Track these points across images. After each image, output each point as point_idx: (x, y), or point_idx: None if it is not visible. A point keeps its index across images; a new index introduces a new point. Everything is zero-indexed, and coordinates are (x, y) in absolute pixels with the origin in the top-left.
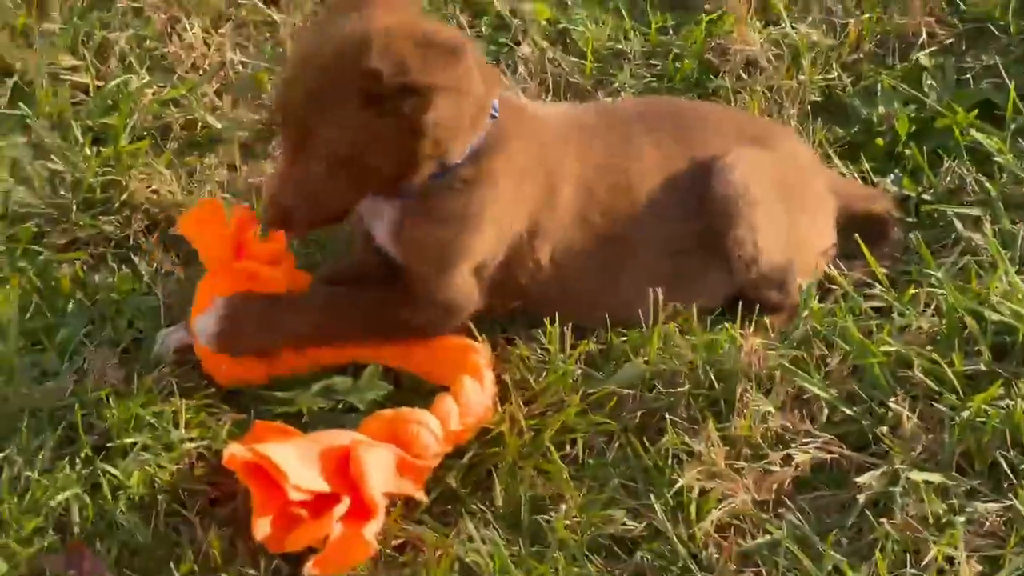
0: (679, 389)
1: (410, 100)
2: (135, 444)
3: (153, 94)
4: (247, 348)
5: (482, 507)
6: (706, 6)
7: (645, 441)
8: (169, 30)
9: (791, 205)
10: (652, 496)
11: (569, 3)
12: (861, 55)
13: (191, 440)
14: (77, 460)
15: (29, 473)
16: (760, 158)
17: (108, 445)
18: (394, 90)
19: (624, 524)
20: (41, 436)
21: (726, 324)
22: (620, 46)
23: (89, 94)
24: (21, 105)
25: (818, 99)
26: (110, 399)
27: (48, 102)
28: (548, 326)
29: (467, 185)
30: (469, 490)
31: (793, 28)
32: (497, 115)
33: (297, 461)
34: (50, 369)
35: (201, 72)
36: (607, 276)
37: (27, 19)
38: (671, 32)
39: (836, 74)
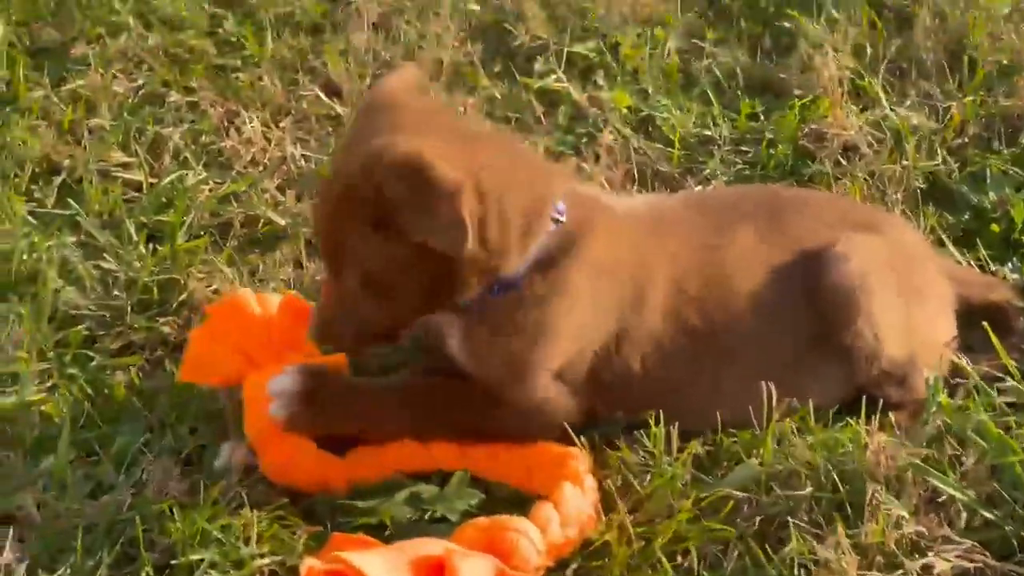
0: (800, 492)
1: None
2: (201, 561)
3: (210, 190)
4: (324, 422)
5: None
6: (796, 91)
7: (767, 549)
8: (226, 124)
9: (909, 294)
10: None
11: (650, 91)
12: (966, 139)
13: (262, 556)
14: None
15: None
16: (873, 244)
17: (171, 563)
18: (395, 220)
19: None
20: (97, 554)
21: (848, 420)
22: (708, 132)
23: (142, 191)
24: (71, 202)
25: (922, 186)
26: (173, 512)
27: (98, 200)
28: (652, 426)
29: (535, 295)
30: None
31: (892, 111)
32: (563, 216)
33: (384, 572)
34: (106, 482)
35: (261, 168)
36: (706, 377)
37: (74, 115)
38: (761, 118)
39: (941, 159)
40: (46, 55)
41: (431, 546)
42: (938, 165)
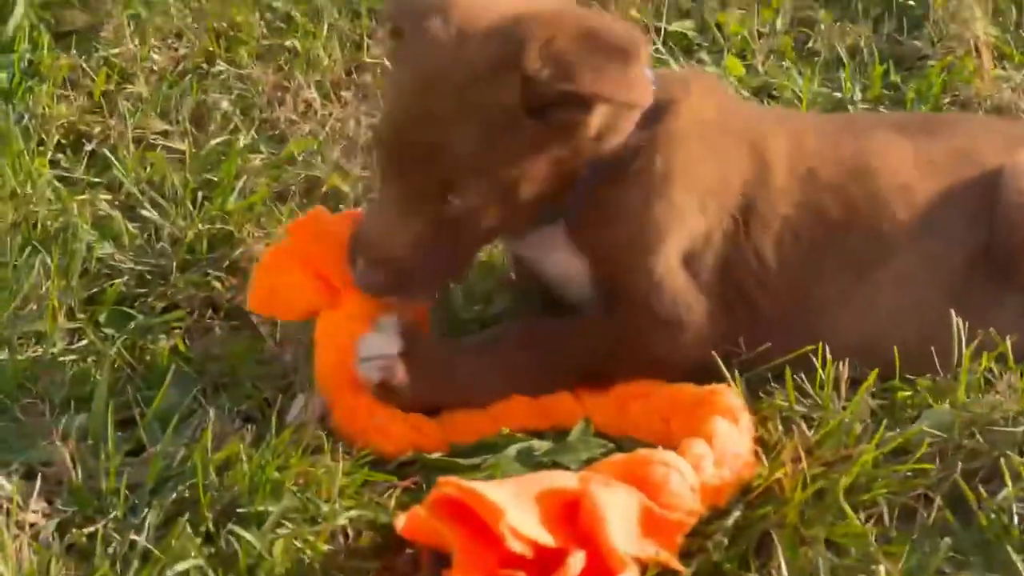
0: (1012, 429)
1: (571, 110)
2: (268, 514)
3: (263, 160)
4: (423, 393)
5: None
6: (932, 62)
7: (978, 493)
8: (280, 94)
9: None
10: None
11: (760, 68)
12: None
13: (347, 510)
14: (197, 530)
15: (136, 537)
16: None
17: (238, 511)
18: (555, 98)
19: None
20: (141, 513)
21: None
22: (838, 95)
23: (184, 162)
24: (112, 160)
25: None
26: (236, 464)
27: (135, 166)
28: (819, 367)
29: (642, 167)
30: (736, 564)
31: None
32: (654, 83)
33: (512, 502)
34: (149, 441)
35: (322, 137)
36: (859, 280)
37: (106, 85)
38: (900, 84)
39: None
40: (73, 37)
41: (562, 478)
42: None
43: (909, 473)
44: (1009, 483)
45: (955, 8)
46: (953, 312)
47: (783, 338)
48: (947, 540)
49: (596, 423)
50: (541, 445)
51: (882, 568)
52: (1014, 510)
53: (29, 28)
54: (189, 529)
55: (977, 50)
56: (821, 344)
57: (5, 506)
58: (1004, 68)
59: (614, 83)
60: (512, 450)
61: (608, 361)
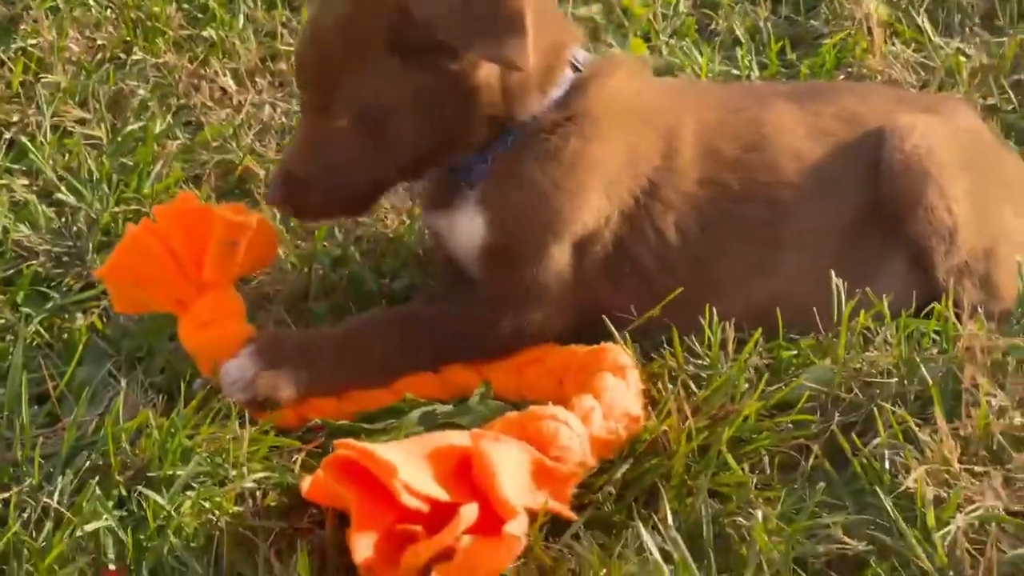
0: (886, 381)
1: (447, 59)
2: (176, 477)
3: (179, 145)
4: (301, 389)
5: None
6: (828, 40)
7: (853, 442)
8: (196, 81)
9: (984, 177)
10: (872, 508)
11: (664, 51)
12: (1021, 76)
13: (253, 473)
14: (108, 495)
15: (48, 501)
16: (937, 124)
17: (148, 476)
18: (427, 43)
19: (841, 543)
20: (55, 481)
21: (933, 305)
22: (736, 72)
23: (102, 149)
24: (29, 147)
25: None
26: (146, 432)
27: (52, 151)
28: (706, 328)
29: (558, 141)
30: (624, 514)
31: (941, 45)
32: (582, 64)
33: (405, 460)
34: (64, 414)
35: (237, 124)
36: (754, 252)
37: (24, 76)
38: (796, 62)
39: (996, 96)
40: None
41: (453, 436)
42: (994, 101)
43: (789, 425)
44: (882, 431)
45: None
46: (833, 273)
47: (681, 308)
48: (821, 484)
49: (496, 389)
50: (443, 409)
51: (759, 513)
52: (886, 456)
53: None
54: (100, 492)
55: (869, 28)
56: (709, 306)
57: None
58: (894, 44)
59: (490, 46)
60: (415, 414)
61: (472, 343)
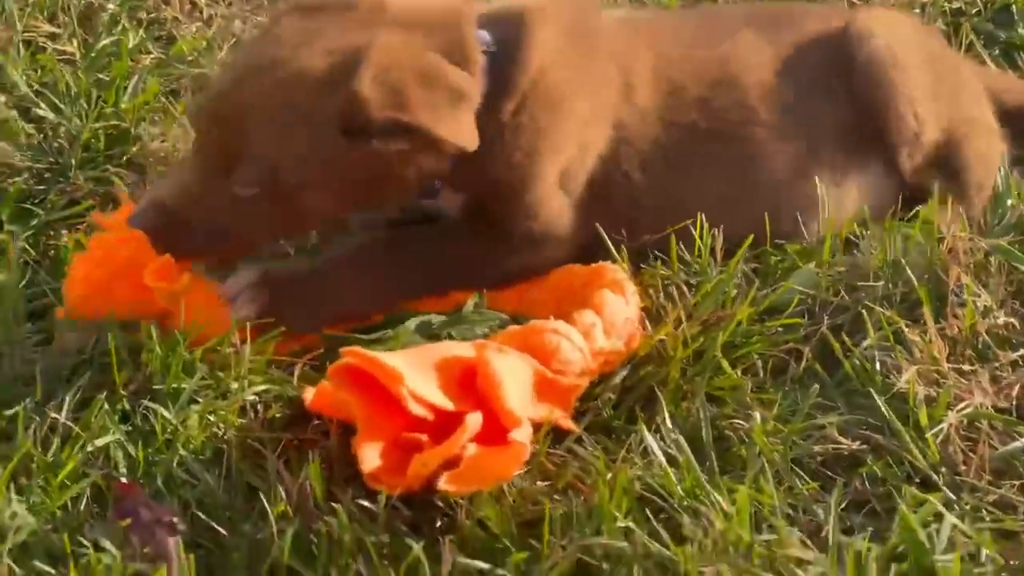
0: (873, 284)
1: (393, 138)
2: (182, 390)
3: (153, 59)
4: (302, 318)
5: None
6: None
7: (844, 342)
8: None
9: (944, 75)
10: (865, 409)
11: None
12: None
13: (254, 386)
14: (114, 409)
15: (56, 415)
16: (895, 18)
17: (153, 389)
18: (379, 125)
19: (836, 442)
20: (59, 396)
21: (917, 210)
22: None
23: (75, 65)
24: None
25: (942, 27)
26: (147, 347)
27: (25, 70)
28: (696, 237)
29: (512, 93)
30: (624, 420)
31: None
32: (493, 45)
33: (408, 369)
34: (59, 331)
35: (210, 35)
36: (729, 189)
37: None
38: None
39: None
40: None
41: (458, 347)
42: (959, 6)
43: (780, 329)
44: (871, 332)
45: None
46: (817, 180)
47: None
48: (815, 387)
49: (495, 307)
50: (438, 318)
51: (757, 415)
52: (876, 357)
53: None
54: (107, 407)
55: None
56: (700, 215)
57: None
58: None
59: (443, 120)
60: (411, 323)
61: (476, 267)
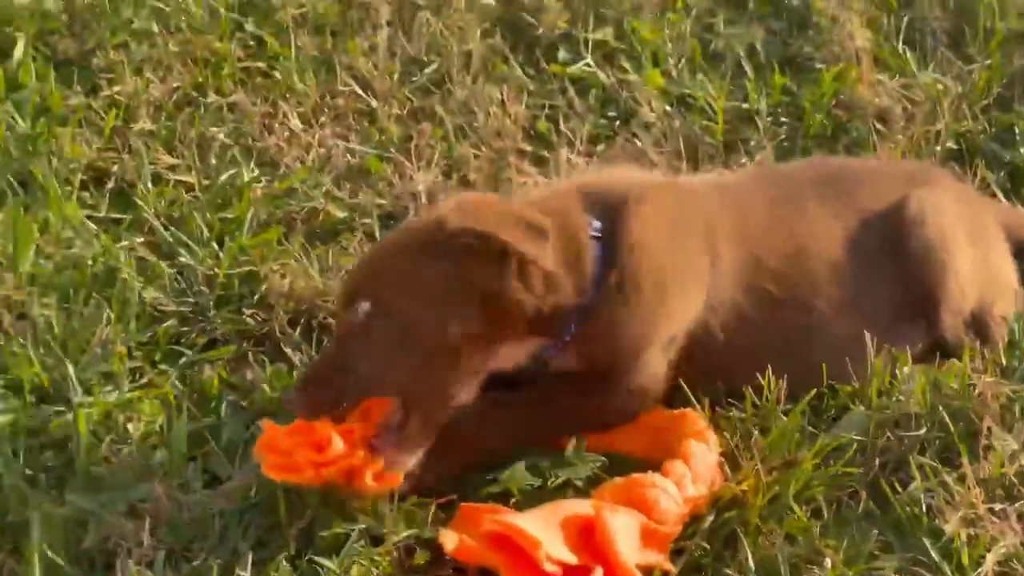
0: (914, 433)
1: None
2: (348, 536)
3: (262, 188)
4: (446, 468)
5: (735, 574)
6: (818, 64)
7: (895, 487)
8: (267, 123)
9: (978, 242)
10: (915, 549)
11: (673, 74)
12: (990, 100)
13: (397, 532)
14: (282, 560)
15: (242, 573)
16: (941, 199)
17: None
18: (456, 236)
19: None
20: (232, 541)
21: (952, 361)
22: (745, 106)
23: (195, 191)
24: (135, 203)
25: (953, 146)
26: (304, 494)
27: (155, 202)
28: (763, 382)
29: (625, 271)
30: (712, 558)
31: (924, 75)
32: (599, 231)
33: (542, 530)
34: (220, 472)
35: (309, 164)
36: (790, 345)
37: (115, 122)
38: (795, 89)
39: (971, 120)
40: (69, 65)
41: (578, 505)
42: (968, 127)
43: (843, 471)
44: (917, 477)
45: (834, 11)
46: (867, 333)
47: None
48: (874, 532)
49: (591, 443)
50: (544, 461)
51: (828, 561)
52: (922, 500)
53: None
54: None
55: (858, 57)
56: (768, 367)
57: (125, 545)
58: (881, 74)
59: (517, 236)
60: (520, 464)
61: (584, 417)
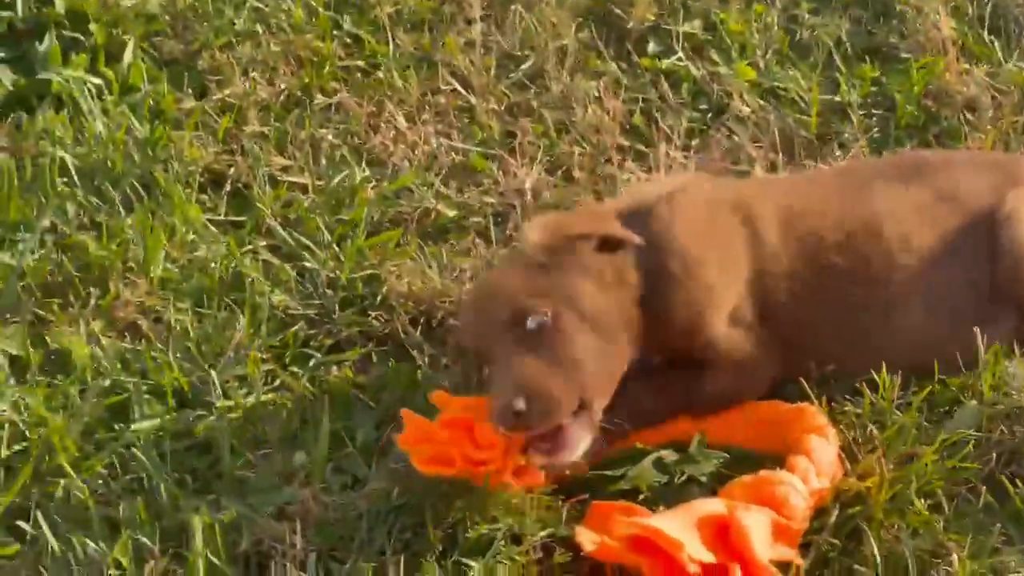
0: None
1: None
2: (492, 536)
3: (373, 188)
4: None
5: (861, 567)
6: (904, 54)
7: (1017, 481)
8: (372, 123)
9: None
10: None
11: (761, 65)
12: None
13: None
14: (429, 559)
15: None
16: None
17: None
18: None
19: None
20: (378, 542)
21: None
22: (837, 99)
23: (307, 192)
24: (259, 206)
25: None
26: (447, 494)
27: (271, 204)
28: (877, 378)
29: (666, 256)
30: (839, 553)
31: (1013, 64)
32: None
33: (680, 531)
34: (359, 473)
35: (416, 163)
36: (876, 317)
37: (229, 124)
38: (884, 81)
39: None
40: (176, 67)
41: (711, 505)
42: None
43: (962, 466)
44: None
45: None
46: (977, 330)
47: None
48: (996, 525)
49: (709, 435)
50: (670, 455)
51: (955, 557)
52: None
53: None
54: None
55: (944, 46)
56: (884, 366)
57: (280, 548)
58: (968, 64)
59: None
60: (647, 461)
61: (687, 396)
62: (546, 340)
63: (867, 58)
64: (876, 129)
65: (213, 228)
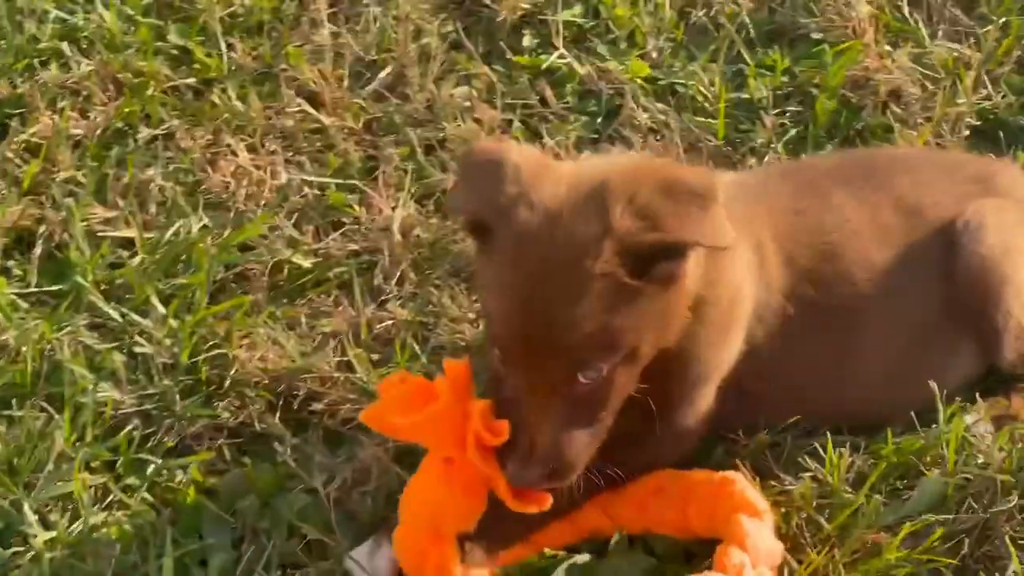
0: (1003, 508)
1: (669, 261)
2: None
3: (213, 240)
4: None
5: None
6: (815, 35)
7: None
8: (208, 156)
9: None
10: None
11: (655, 56)
12: (1007, 67)
13: None
14: None
15: None
16: (1002, 208)
17: None
18: (650, 251)
19: None
20: None
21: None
22: (744, 96)
23: (134, 250)
24: (79, 280)
25: (976, 122)
26: None
27: (92, 267)
28: (824, 452)
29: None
30: None
31: (936, 44)
32: None
33: None
34: None
35: (263, 203)
36: (835, 362)
37: (36, 169)
38: (796, 72)
39: (989, 91)
40: None
41: None
42: (988, 98)
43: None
44: (1015, 559)
45: None
46: (934, 384)
47: (771, 414)
48: None
49: (621, 523)
50: (583, 559)
51: None
52: None
53: None
54: None
55: (859, 26)
56: (828, 433)
57: None
58: (888, 46)
59: (699, 226)
60: (561, 570)
61: (640, 468)
62: (588, 394)
63: (774, 44)
64: (792, 130)
65: (23, 304)
